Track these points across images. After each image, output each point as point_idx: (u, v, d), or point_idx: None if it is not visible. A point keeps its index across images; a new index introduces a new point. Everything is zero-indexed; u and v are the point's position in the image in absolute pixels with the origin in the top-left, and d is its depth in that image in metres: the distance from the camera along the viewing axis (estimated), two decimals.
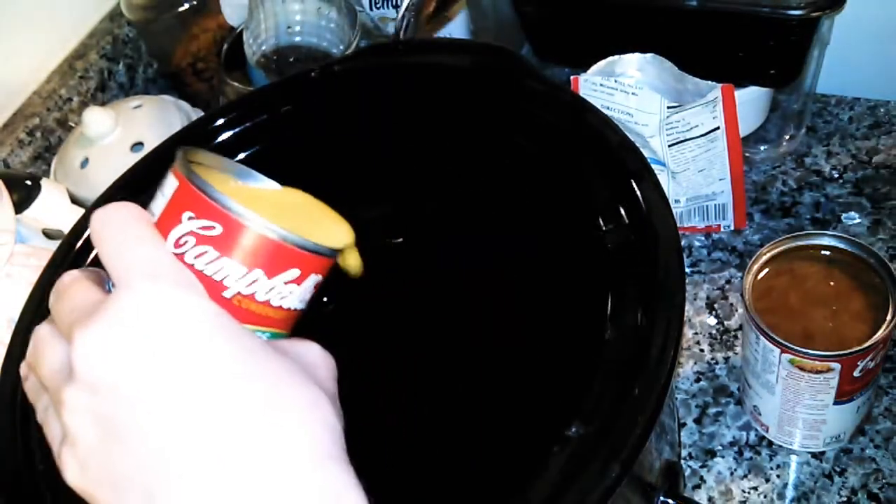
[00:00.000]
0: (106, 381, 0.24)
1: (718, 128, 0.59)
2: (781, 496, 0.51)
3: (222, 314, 0.26)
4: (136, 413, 0.24)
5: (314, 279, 0.29)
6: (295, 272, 0.28)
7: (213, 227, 0.26)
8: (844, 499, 0.50)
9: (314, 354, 0.28)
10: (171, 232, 0.27)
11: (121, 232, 0.26)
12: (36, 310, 0.41)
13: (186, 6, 0.75)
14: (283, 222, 0.28)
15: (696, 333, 0.59)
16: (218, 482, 0.24)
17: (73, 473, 0.25)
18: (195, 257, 0.26)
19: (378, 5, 0.75)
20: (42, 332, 0.27)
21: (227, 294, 0.27)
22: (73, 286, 0.27)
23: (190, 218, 0.26)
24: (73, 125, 0.74)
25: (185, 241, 0.26)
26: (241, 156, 0.47)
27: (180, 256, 0.27)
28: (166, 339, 0.25)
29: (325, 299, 0.51)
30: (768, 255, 0.49)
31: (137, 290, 0.25)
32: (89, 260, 0.43)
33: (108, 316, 0.25)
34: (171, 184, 0.28)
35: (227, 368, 0.25)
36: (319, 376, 0.27)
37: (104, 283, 0.28)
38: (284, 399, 0.25)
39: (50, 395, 0.26)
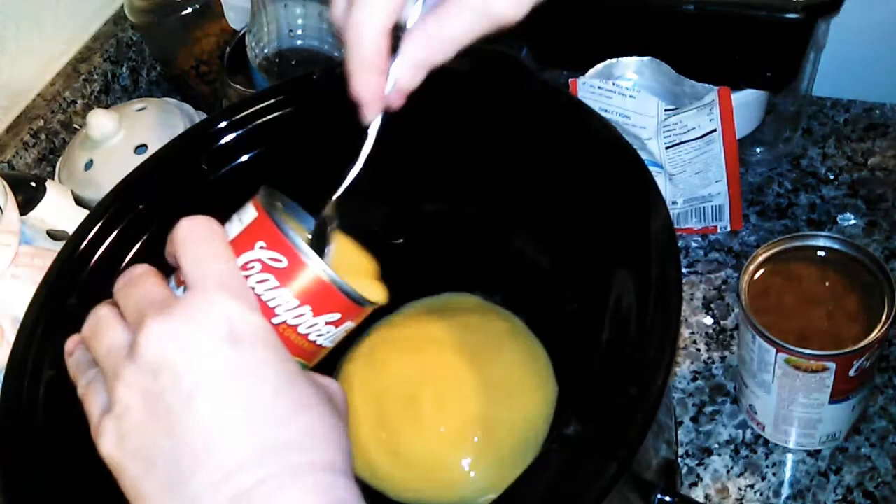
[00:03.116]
0: (168, 366, 0.27)
1: (715, 130, 0.59)
2: (777, 494, 0.51)
3: (276, 337, 0.29)
4: (188, 400, 0.27)
5: (348, 325, 0.32)
6: (336, 315, 0.31)
7: (280, 260, 0.29)
8: (840, 497, 0.51)
9: (335, 388, 0.31)
10: (241, 255, 0.30)
11: (204, 243, 0.29)
12: (40, 309, 0.42)
13: (190, 10, 0.75)
14: (338, 270, 0.30)
15: (692, 333, 0.59)
16: (243, 476, 0.26)
17: (110, 443, 0.27)
18: (257, 282, 0.29)
19: None
20: (103, 311, 0.30)
21: (275, 320, 0.30)
22: (146, 277, 0.30)
23: (261, 247, 0.30)
24: (77, 127, 0.75)
25: (253, 266, 0.29)
26: (244, 158, 0.47)
27: (245, 278, 0.29)
28: (229, 344, 0.27)
29: None
30: (764, 255, 0.50)
31: (212, 297, 0.28)
32: (93, 260, 0.44)
33: (181, 311, 0.27)
34: (249, 213, 0.31)
35: (273, 383, 0.28)
36: (338, 407, 0.30)
37: (167, 281, 0.31)
38: (314, 421, 0.28)
39: (104, 368, 0.29)
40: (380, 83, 0.33)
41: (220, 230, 0.30)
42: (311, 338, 0.31)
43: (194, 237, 0.29)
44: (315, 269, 0.30)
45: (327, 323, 0.31)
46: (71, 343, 0.32)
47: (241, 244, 0.30)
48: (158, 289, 0.30)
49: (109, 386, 0.28)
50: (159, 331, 0.27)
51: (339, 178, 0.35)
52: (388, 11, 0.32)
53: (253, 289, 0.29)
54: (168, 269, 0.31)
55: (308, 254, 0.30)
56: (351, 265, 0.35)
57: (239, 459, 0.26)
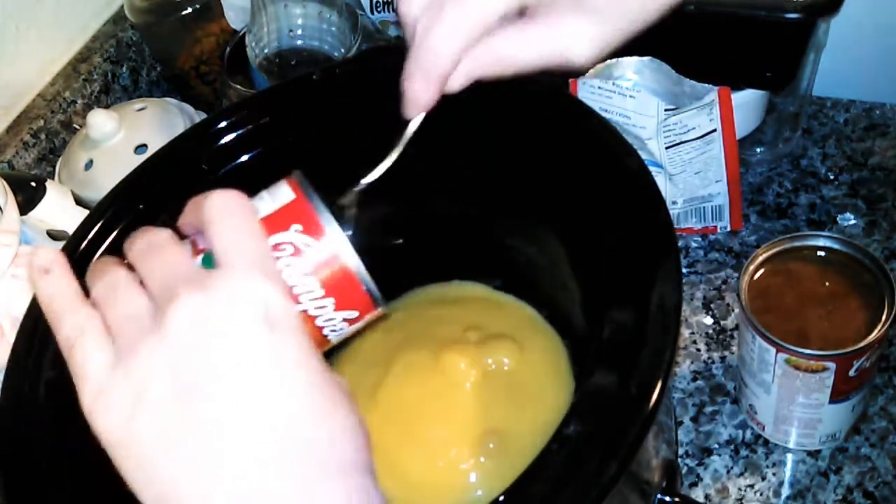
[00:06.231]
0: (201, 344, 0.25)
1: (715, 130, 0.59)
2: (777, 494, 0.51)
3: (303, 326, 0.27)
4: (221, 381, 0.25)
5: (358, 325, 0.31)
6: (354, 313, 0.30)
7: (312, 246, 0.28)
8: (840, 497, 0.51)
9: (345, 385, 0.30)
10: (272, 235, 0.29)
11: (241, 220, 0.28)
12: (40, 309, 0.42)
13: (190, 10, 0.75)
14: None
15: (692, 333, 0.59)
16: (274, 469, 0.25)
17: (117, 418, 0.26)
18: (285, 266, 0.28)
19: (379, 9, 0.76)
20: (121, 274, 0.28)
21: (297, 308, 0.29)
22: (171, 247, 0.28)
23: (297, 231, 0.28)
24: (77, 127, 0.75)
25: (284, 249, 0.28)
26: (244, 158, 0.47)
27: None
28: (266, 328, 0.26)
29: None
30: (764, 255, 0.50)
31: (249, 277, 0.26)
32: (93, 260, 0.44)
33: (217, 288, 0.26)
34: (285, 193, 0.29)
35: (307, 374, 0.26)
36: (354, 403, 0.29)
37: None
38: (344, 417, 0.27)
39: (117, 336, 0.27)
40: (437, 92, 0.34)
41: (253, 208, 0.29)
42: (325, 332, 0.30)
43: (230, 211, 0.28)
44: (349, 261, 0.29)
45: (344, 319, 0.30)
46: (51, 262, 0.29)
47: (273, 224, 0.29)
48: (186, 261, 0.28)
49: (123, 356, 0.26)
50: (194, 306, 0.25)
51: (365, 170, 0.35)
52: (472, 35, 0.32)
53: (280, 272, 0.29)
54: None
55: (344, 244, 0.29)
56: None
57: (273, 450, 0.25)
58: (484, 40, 0.33)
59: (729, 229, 0.64)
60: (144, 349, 0.26)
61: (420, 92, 0.34)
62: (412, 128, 0.35)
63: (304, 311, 0.29)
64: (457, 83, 0.34)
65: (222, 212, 0.28)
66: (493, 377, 0.44)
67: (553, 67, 0.33)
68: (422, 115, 0.35)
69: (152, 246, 0.28)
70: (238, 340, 0.26)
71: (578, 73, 0.34)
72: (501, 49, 0.33)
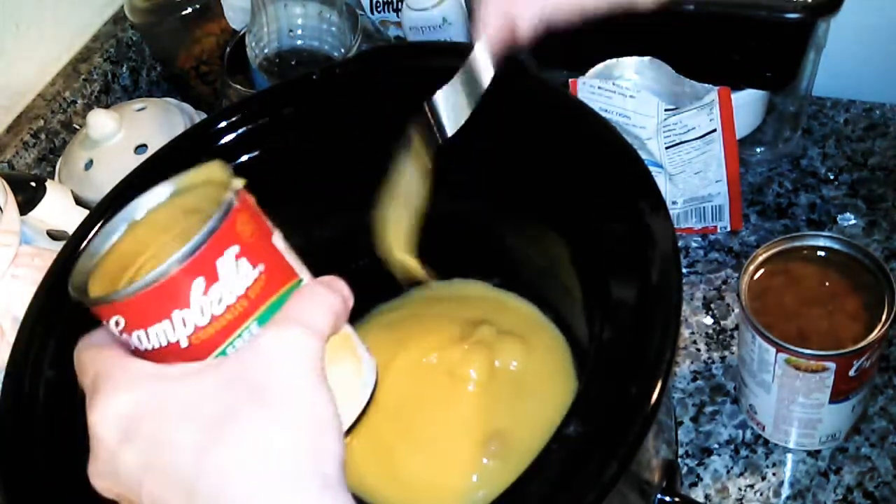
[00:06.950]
0: (108, 492, 0.28)
1: (715, 130, 0.59)
2: (777, 494, 0.51)
3: (153, 387, 0.28)
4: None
5: (227, 261, 0.28)
6: (200, 281, 0.28)
7: (123, 319, 0.29)
8: (840, 497, 0.51)
9: (269, 357, 0.28)
10: (119, 339, 0.29)
11: (81, 362, 0.30)
12: (40, 309, 0.42)
13: (190, 10, 0.75)
14: (167, 245, 0.29)
15: (692, 333, 0.59)
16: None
17: None
18: (143, 342, 0.29)
19: (379, 9, 0.76)
20: None
21: (183, 345, 0.28)
22: None
23: (114, 324, 0.29)
24: (77, 127, 0.75)
25: (127, 338, 0.29)
26: (244, 158, 0.47)
27: (136, 349, 0.29)
28: (125, 444, 0.27)
29: None
30: (764, 255, 0.50)
31: (91, 414, 0.28)
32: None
33: (90, 445, 0.28)
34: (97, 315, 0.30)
35: (185, 441, 0.27)
36: (278, 378, 0.28)
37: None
38: (255, 434, 0.26)
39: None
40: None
41: (87, 339, 0.31)
42: (220, 310, 0.28)
43: (77, 362, 0.30)
44: (130, 296, 0.28)
45: (206, 292, 0.28)
46: None
47: (110, 331, 0.30)
48: None
49: None
50: (90, 472, 0.28)
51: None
52: None
53: (147, 350, 0.29)
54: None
55: (115, 296, 0.28)
56: (197, 202, 0.32)
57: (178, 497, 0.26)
58: None
59: (729, 229, 0.64)
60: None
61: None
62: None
63: (189, 336, 0.28)
64: (533, 24, 0.35)
65: (77, 364, 0.30)
66: (498, 376, 0.44)
67: (620, 9, 0.35)
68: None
69: None
70: (116, 474, 0.27)
71: (642, 14, 0.36)
72: None
